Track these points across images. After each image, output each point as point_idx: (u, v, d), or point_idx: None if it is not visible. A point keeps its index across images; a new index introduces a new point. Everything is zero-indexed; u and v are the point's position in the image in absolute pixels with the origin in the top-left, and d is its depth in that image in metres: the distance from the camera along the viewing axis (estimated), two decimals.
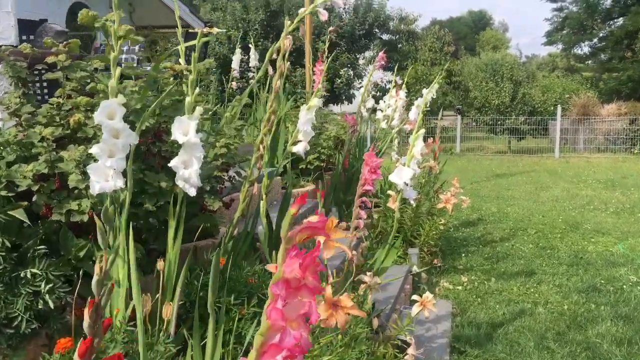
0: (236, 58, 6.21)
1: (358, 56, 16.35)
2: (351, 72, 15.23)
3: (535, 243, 5.36)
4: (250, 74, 6.16)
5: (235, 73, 6.18)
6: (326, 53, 5.48)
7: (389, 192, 2.79)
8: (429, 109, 12.89)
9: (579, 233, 5.73)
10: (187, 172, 1.71)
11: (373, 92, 18.62)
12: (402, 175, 2.65)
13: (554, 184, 9.23)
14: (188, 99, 1.68)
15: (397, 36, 18.08)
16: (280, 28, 15.15)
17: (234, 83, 6.36)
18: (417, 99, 14.79)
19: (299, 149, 2.63)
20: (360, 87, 16.74)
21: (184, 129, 1.69)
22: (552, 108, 15.34)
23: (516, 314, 3.69)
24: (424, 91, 4.45)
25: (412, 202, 2.76)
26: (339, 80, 14.51)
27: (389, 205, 2.81)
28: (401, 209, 4.56)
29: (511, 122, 14.72)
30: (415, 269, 4.09)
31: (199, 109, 1.68)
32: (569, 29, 25.74)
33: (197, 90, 1.68)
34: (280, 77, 2.39)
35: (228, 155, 2.34)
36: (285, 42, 2.70)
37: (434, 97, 4.59)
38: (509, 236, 5.64)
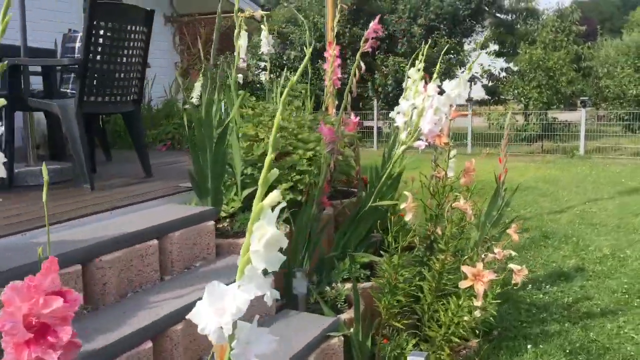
0: (242, 42, 4.74)
1: (464, 40, 14.17)
2: (453, 59, 13.12)
3: None
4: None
5: (242, 63, 4.73)
6: (335, 30, 3.86)
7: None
8: (546, 101, 10.50)
9: None
10: None
11: (485, 81, 16.25)
12: (222, 307, 1.03)
13: None
14: None
15: (514, 16, 15.54)
16: (372, 12, 13.48)
17: (239, 75, 4.93)
18: (533, 91, 12.33)
19: None
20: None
21: None
22: None
23: None
24: (446, 84, 2.66)
25: None
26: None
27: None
28: (420, 273, 2.84)
29: None
30: None
31: None
32: None
33: None
34: None
35: None
36: None
37: (463, 93, 2.77)
38: (617, 307, 3.64)
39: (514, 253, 2.59)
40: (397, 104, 3.36)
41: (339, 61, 3.96)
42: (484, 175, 8.52)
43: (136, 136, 3.41)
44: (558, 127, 12.40)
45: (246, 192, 3.07)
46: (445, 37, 12.37)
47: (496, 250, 2.55)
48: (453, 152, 4.01)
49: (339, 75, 3.97)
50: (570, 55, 12.80)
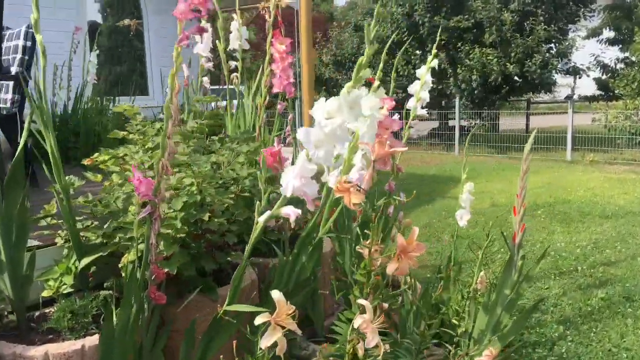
0: (206, 40, 3.74)
1: (569, 27, 12.10)
2: (552, 48, 11.17)
3: None
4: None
5: (204, 62, 3.75)
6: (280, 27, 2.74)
7: None
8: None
9: None
10: None
11: (597, 74, 13.94)
12: None
13: None
14: None
15: None
16: (457, 1, 11.90)
17: (205, 79, 3.99)
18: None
19: None
20: (568, 67, 12.35)
21: None
22: None
23: None
24: (317, 107, 1.38)
25: None
26: (531, 62, 10.66)
27: None
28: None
29: None
30: None
31: None
32: None
33: None
34: None
35: None
36: None
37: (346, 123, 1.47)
38: None
39: None
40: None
41: (290, 59, 2.82)
42: (580, 193, 6.59)
43: None
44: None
45: (86, 260, 2.04)
46: (542, 25, 10.51)
47: None
48: (468, 186, 2.83)
49: (291, 80, 2.83)
50: None
